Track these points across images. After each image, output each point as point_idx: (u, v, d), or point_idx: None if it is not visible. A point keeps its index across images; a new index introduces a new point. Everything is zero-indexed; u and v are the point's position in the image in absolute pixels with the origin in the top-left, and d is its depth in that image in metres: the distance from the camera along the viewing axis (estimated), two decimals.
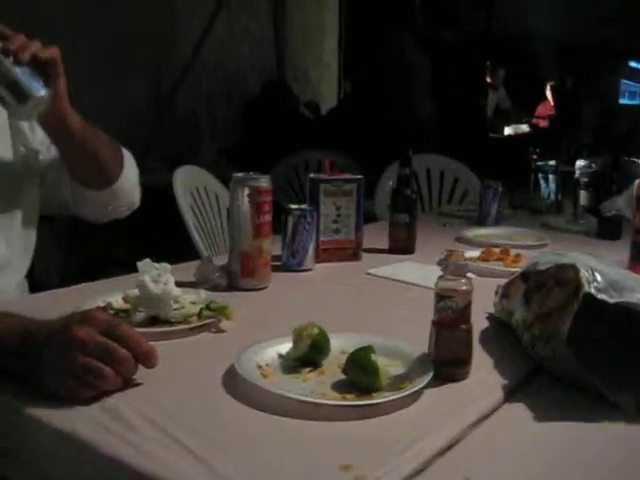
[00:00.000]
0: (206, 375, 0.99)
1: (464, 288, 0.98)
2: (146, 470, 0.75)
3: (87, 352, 0.88)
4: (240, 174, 1.44)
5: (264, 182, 1.43)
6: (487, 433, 0.87)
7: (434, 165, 3.33)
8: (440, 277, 1.00)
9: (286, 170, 3.76)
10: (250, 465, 0.76)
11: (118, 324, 0.94)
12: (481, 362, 1.05)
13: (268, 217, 1.45)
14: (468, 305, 0.99)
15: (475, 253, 1.76)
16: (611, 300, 0.93)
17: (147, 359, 0.93)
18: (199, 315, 1.19)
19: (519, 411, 0.93)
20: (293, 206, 1.62)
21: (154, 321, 1.17)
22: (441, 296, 0.99)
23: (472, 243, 1.95)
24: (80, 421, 0.84)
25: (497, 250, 1.78)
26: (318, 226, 1.66)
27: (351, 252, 1.73)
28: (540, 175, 4.84)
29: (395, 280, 1.55)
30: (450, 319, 0.98)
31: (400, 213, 1.83)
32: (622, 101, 8.47)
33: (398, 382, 0.96)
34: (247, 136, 4.88)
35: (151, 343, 0.97)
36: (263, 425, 0.86)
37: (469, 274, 1.01)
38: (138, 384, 0.94)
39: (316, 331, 1.02)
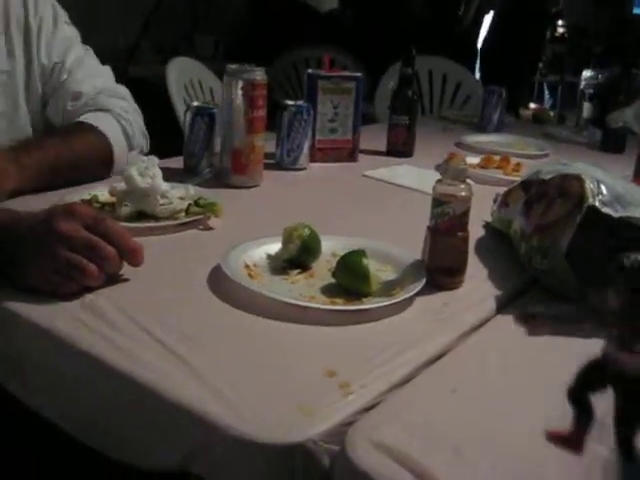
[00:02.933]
0: (191, 273, 0.96)
1: (463, 194, 0.94)
2: (125, 368, 0.72)
3: (71, 246, 0.84)
4: (234, 66, 1.38)
5: (259, 75, 1.37)
6: (477, 344, 0.84)
7: (437, 67, 3.22)
8: (438, 181, 0.95)
9: (285, 66, 3.64)
10: (232, 366, 0.74)
11: (104, 219, 0.89)
12: (475, 271, 1.02)
13: (262, 112, 1.39)
14: (466, 212, 0.95)
15: (474, 160, 1.71)
16: (615, 214, 0.89)
17: (133, 257, 0.90)
18: (187, 211, 1.15)
19: (510, 323, 0.90)
20: (289, 102, 1.56)
21: (140, 216, 1.14)
22: (438, 201, 0.95)
23: (472, 149, 1.90)
24: (59, 317, 0.81)
25: (497, 158, 1.73)
26: (314, 124, 1.60)
27: (347, 153, 1.68)
28: (545, 85, 4.74)
29: (391, 183, 1.51)
30: (446, 225, 0.94)
31: (400, 114, 1.77)
32: (636, 10, 8.19)
33: (389, 288, 0.93)
34: (246, 29, 4.71)
35: (136, 239, 0.93)
36: (248, 326, 0.83)
37: (468, 180, 0.97)
38: (121, 281, 0.91)
39: (307, 232, 0.98)
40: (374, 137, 1.83)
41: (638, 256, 0.51)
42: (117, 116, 1.41)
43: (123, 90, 1.49)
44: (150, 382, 0.70)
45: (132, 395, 0.71)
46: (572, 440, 0.56)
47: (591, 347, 0.78)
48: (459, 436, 0.65)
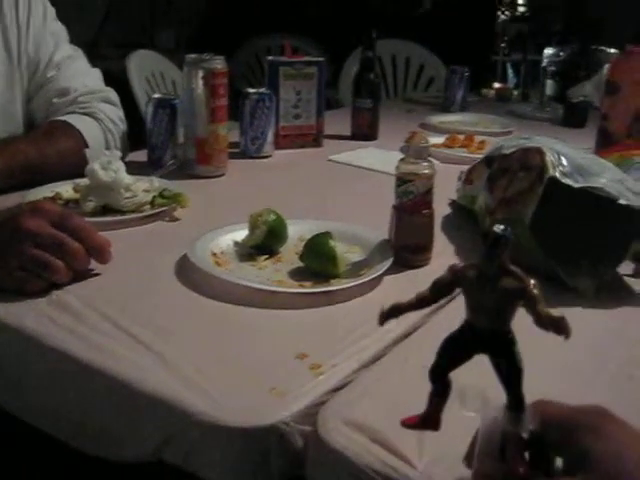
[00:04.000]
0: (159, 264, 0.96)
1: (426, 172, 0.94)
2: (96, 362, 0.72)
3: (37, 243, 0.83)
4: (194, 55, 1.37)
5: (219, 64, 1.36)
6: (446, 319, 0.84)
7: (400, 51, 3.23)
8: (401, 160, 0.96)
9: (247, 56, 3.62)
10: (203, 354, 0.74)
11: (70, 215, 0.88)
12: (443, 249, 1.03)
13: (224, 101, 1.38)
14: (430, 190, 0.95)
15: (439, 139, 1.72)
16: (576, 185, 0.90)
17: (100, 254, 0.89)
18: (152, 203, 1.15)
19: None
20: (251, 90, 1.55)
21: (105, 210, 1.13)
22: (402, 180, 0.95)
23: (437, 129, 1.90)
24: (27, 314, 0.80)
25: (461, 137, 1.74)
26: (277, 111, 1.59)
27: (312, 138, 1.67)
28: (508, 64, 4.76)
29: (357, 166, 1.51)
30: (411, 204, 0.95)
31: (363, 98, 1.77)
32: None
33: (357, 269, 0.93)
34: (207, 20, 4.68)
35: (102, 233, 0.92)
36: (217, 314, 0.83)
37: (432, 159, 0.97)
38: (88, 276, 0.90)
39: (273, 217, 0.98)
40: (339, 122, 1.83)
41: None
42: (104, 128, 1.38)
43: (113, 95, 1.46)
44: (120, 373, 0.70)
45: (103, 388, 0.71)
46: (429, 419, 0.56)
47: None
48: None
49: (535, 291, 0.49)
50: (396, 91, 3.25)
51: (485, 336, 0.52)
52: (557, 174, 0.89)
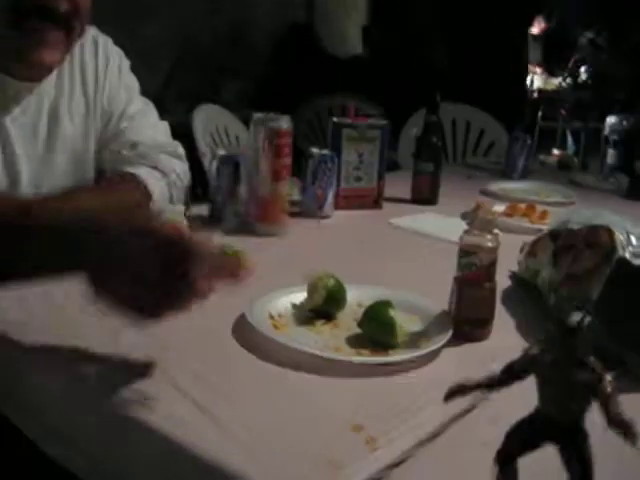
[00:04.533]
0: (216, 323, 0.95)
1: (490, 244, 0.93)
2: (146, 418, 0.72)
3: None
4: (260, 114, 1.39)
5: (284, 123, 1.38)
6: (505, 397, 0.82)
7: (460, 115, 3.23)
8: (466, 231, 0.95)
9: (309, 114, 3.68)
10: (255, 418, 0.73)
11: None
12: (503, 322, 1.01)
13: (287, 160, 1.39)
14: (493, 263, 0.94)
15: (500, 207, 1.70)
16: None
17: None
18: None
19: None
20: (314, 150, 1.57)
21: None
22: (465, 252, 0.94)
23: (497, 197, 1.89)
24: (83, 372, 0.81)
25: (523, 205, 1.72)
26: (339, 172, 1.60)
27: (372, 200, 1.68)
28: (568, 131, 4.72)
29: (417, 232, 1.50)
30: (473, 276, 0.94)
31: (424, 162, 1.77)
32: None
33: (415, 340, 0.92)
34: (271, 77, 4.78)
35: None
36: (273, 378, 0.82)
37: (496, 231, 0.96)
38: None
39: (332, 282, 0.98)
40: (398, 184, 1.83)
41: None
42: (170, 182, 1.40)
43: (180, 149, 1.49)
44: (176, 437, 0.69)
45: (156, 449, 0.70)
46: None
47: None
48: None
49: (608, 388, 0.47)
50: (455, 155, 3.25)
51: (556, 427, 0.50)
52: (627, 254, 0.87)
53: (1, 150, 1.22)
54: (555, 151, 3.55)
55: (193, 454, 0.67)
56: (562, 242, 1.03)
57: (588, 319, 0.49)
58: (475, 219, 0.94)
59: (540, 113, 4.95)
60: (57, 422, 0.81)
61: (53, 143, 1.30)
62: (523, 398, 0.82)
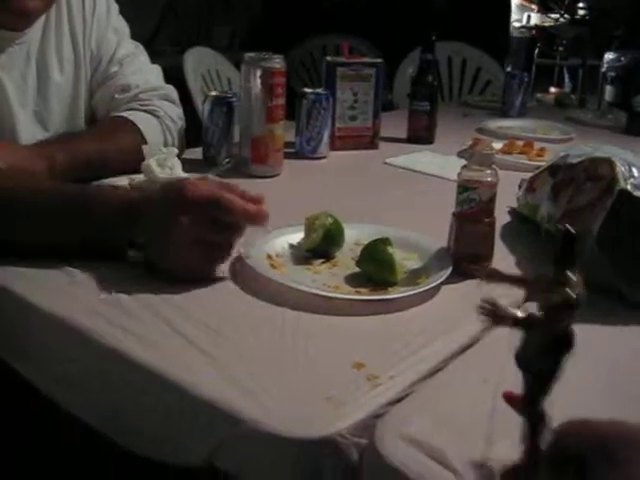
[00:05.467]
0: None
1: (489, 179, 0.92)
2: (147, 361, 0.71)
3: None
4: (252, 54, 1.36)
5: (277, 63, 1.35)
6: (507, 332, 0.82)
7: (456, 53, 3.18)
8: (464, 167, 0.93)
9: (302, 55, 3.61)
10: (257, 359, 0.73)
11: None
12: (502, 258, 1.00)
13: (281, 100, 1.37)
14: (492, 198, 0.93)
15: (497, 145, 1.68)
16: None
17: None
18: None
19: None
20: (308, 90, 1.54)
21: None
22: (464, 187, 0.93)
23: (494, 135, 1.86)
24: (77, 309, 0.80)
25: (520, 143, 1.70)
26: (334, 112, 1.57)
27: (368, 140, 1.65)
28: (565, 68, 4.66)
29: (413, 170, 1.48)
30: (472, 212, 0.92)
31: (420, 100, 1.74)
32: None
33: (414, 277, 0.91)
34: (262, 19, 4.69)
35: None
36: (272, 318, 0.81)
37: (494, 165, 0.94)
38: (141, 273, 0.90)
39: (330, 221, 0.97)
40: (394, 124, 1.80)
41: None
42: (164, 125, 1.37)
43: (173, 93, 1.46)
44: (174, 376, 0.68)
45: (155, 389, 0.70)
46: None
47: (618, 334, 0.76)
48: (490, 427, 0.63)
49: None
50: (451, 94, 3.21)
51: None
52: (629, 186, 0.86)
53: None
54: (552, 89, 3.51)
55: (193, 395, 0.66)
56: (562, 176, 1.01)
57: None
58: (473, 154, 0.92)
59: (537, 50, 4.87)
60: (64, 370, 0.81)
61: (44, 92, 1.27)
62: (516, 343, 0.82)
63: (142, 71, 1.40)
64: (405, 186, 1.41)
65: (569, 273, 0.51)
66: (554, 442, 0.50)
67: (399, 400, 0.67)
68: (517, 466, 0.53)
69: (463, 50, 3.18)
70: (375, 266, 0.90)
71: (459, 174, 0.93)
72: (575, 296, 0.50)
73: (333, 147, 1.58)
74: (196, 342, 0.74)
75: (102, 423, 0.76)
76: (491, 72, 3.10)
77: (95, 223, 0.88)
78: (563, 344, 0.51)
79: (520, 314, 0.54)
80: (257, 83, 1.34)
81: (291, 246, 0.99)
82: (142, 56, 1.45)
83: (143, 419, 0.73)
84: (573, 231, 0.51)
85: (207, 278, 0.89)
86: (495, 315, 0.55)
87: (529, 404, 0.52)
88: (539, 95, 2.78)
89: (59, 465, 1.03)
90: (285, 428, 0.62)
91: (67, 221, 0.90)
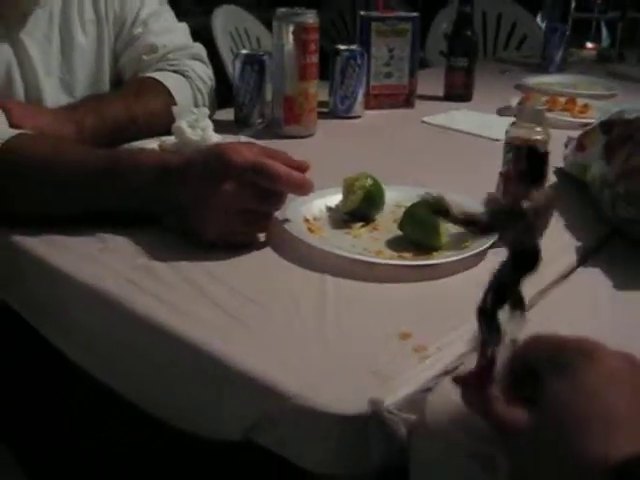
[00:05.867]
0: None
1: (540, 137, 0.86)
2: (184, 331, 0.68)
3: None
4: (284, 9, 1.30)
5: (310, 18, 1.29)
6: (560, 300, 0.78)
7: (491, 7, 3.08)
8: (513, 124, 0.88)
9: (329, 11, 3.53)
10: (297, 330, 0.69)
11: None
12: (552, 221, 0.94)
13: (315, 58, 1.31)
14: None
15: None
16: None
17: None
18: None
19: (594, 276, 0.83)
20: (342, 47, 1.48)
21: None
22: (513, 146, 0.87)
23: (534, 91, 1.79)
24: (111, 278, 0.77)
25: (562, 99, 1.63)
26: (369, 69, 1.52)
27: (404, 98, 1.59)
28: (602, 22, 4.52)
29: (452, 129, 1.42)
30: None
31: (458, 56, 1.67)
32: None
33: (459, 241, 0.86)
34: None
35: None
36: (311, 286, 0.77)
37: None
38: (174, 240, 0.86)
39: (369, 182, 0.92)
40: (429, 81, 1.74)
41: None
42: (194, 86, 1.32)
43: (202, 52, 1.41)
44: (212, 348, 0.65)
45: (193, 362, 0.66)
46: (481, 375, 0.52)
47: None
48: None
49: None
50: (486, 50, 3.11)
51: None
52: None
53: (21, 68, 1.16)
54: (589, 44, 3.39)
55: (230, 367, 0.63)
56: (617, 133, 0.95)
57: None
58: (523, 111, 0.86)
59: (573, 4, 4.73)
60: (94, 339, 0.78)
61: (69, 57, 1.23)
62: (570, 305, 0.78)
63: (169, 30, 1.35)
64: (444, 146, 1.36)
65: (533, 189, 0.53)
66: (515, 356, 0.51)
67: (448, 373, 0.63)
68: (470, 373, 0.53)
69: (498, 4, 3.08)
70: (419, 230, 0.85)
71: (507, 132, 0.88)
72: (525, 208, 0.51)
73: (368, 106, 1.53)
74: (232, 311, 0.71)
75: (134, 394, 0.73)
76: (527, 27, 3.00)
77: (128, 190, 0.85)
78: (528, 262, 0.51)
79: (464, 215, 0.57)
80: (289, 39, 1.28)
81: (329, 209, 0.95)
82: (167, 14, 1.39)
83: (176, 390, 0.70)
84: (542, 150, 0.54)
85: (245, 245, 0.85)
86: (445, 213, 0.58)
87: (486, 315, 0.52)
88: (574, 51, 2.68)
89: (89, 434, 1.01)
90: (329, 404, 0.58)
91: (99, 189, 0.86)
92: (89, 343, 0.78)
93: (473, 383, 0.53)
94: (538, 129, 0.86)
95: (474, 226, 0.56)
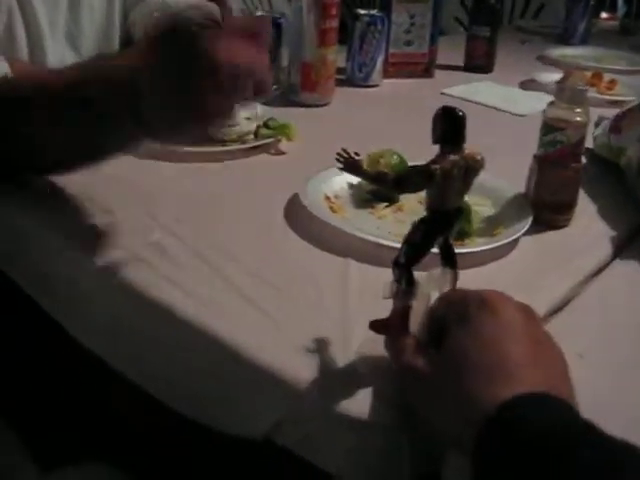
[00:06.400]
0: (265, 205, 0.86)
1: (579, 119, 0.81)
2: (193, 313, 0.63)
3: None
4: None
5: None
6: (598, 295, 0.73)
7: None
8: (551, 103, 0.83)
9: None
10: (314, 317, 0.64)
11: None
12: (583, 208, 0.89)
13: (335, 22, 1.25)
14: (581, 140, 0.82)
15: (560, 76, 1.55)
16: None
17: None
18: (256, 134, 1.04)
19: (633, 269, 0.79)
20: (362, 11, 1.41)
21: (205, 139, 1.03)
22: (550, 126, 0.82)
23: (557, 64, 1.72)
24: (121, 258, 0.72)
25: (588, 73, 1.56)
26: (389, 36, 1.45)
27: (423, 67, 1.53)
28: None
29: (474, 102, 1.37)
30: (559, 155, 0.82)
31: (481, 25, 1.60)
32: None
33: (490, 227, 0.82)
34: None
35: (202, 165, 0.82)
36: (334, 271, 0.72)
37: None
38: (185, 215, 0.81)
39: (395, 159, 0.87)
40: (447, 50, 1.67)
41: None
42: None
43: (216, 11, 1.33)
44: (228, 336, 0.60)
45: (212, 354, 0.62)
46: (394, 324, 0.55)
47: None
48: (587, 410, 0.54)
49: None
50: (501, 17, 3.02)
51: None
52: None
53: (25, 24, 1.09)
54: (604, 14, 3.30)
55: (252, 361, 0.58)
56: None
57: None
58: (564, 89, 0.81)
59: None
60: (105, 323, 0.73)
61: (76, 13, 1.16)
62: (605, 300, 0.73)
63: None
64: (468, 121, 1.30)
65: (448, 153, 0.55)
66: (429, 312, 0.55)
67: None
68: (384, 322, 0.56)
69: None
70: None
71: (544, 112, 0.83)
72: (435, 169, 0.54)
73: (386, 75, 1.47)
74: (252, 298, 0.66)
75: (149, 383, 0.68)
76: None
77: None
78: (441, 222, 0.55)
79: (376, 173, 0.60)
80: (309, 2, 1.22)
81: (351, 186, 0.90)
82: None
83: (193, 381, 0.65)
84: (460, 113, 0.55)
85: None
86: (349, 165, 0.58)
87: (400, 268, 0.54)
88: (594, 22, 2.61)
89: (92, 409, 0.97)
90: (359, 407, 0.54)
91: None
92: (100, 327, 0.73)
93: (387, 332, 0.56)
94: (578, 110, 0.81)
95: (385, 184, 0.58)
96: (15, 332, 0.89)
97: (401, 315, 0.55)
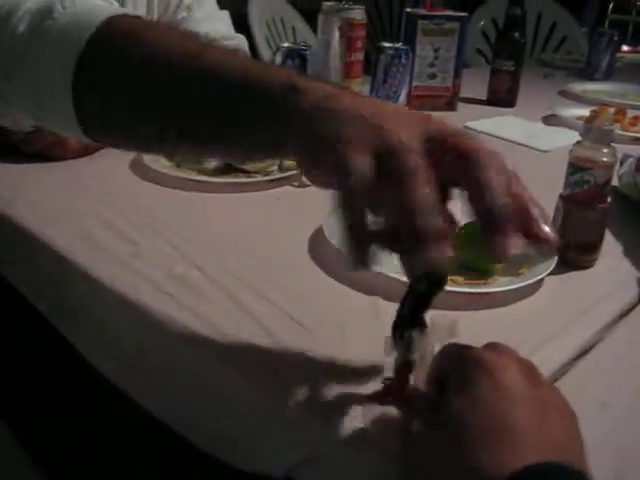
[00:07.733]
0: (289, 238, 0.86)
1: (606, 159, 0.81)
2: (230, 358, 0.63)
3: None
4: (331, 3, 1.25)
5: (358, 14, 1.25)
6: (624, 339, 0.72)
7: (531, 6, 2.99)
8: (578, 143, 0.82)
9: (367, 6, 3.46)
10: (346, 359, 0.63)
11: None
12: (608, 248, 0.89)
13: (360, 55, 1.27)
14: (608, 180, 0.82)
15: (583, 111, 1.55)
16: None
17: None
18: (280, 166, 1.05)
19: None
20: (386, 44, 1.42)
21: (229, 169, 1.03)
22: (577, 167, 0.82)
23: (579, 99, 1.73)
24: (144, 289, 0.72)
25: (611, 110, 1.56)
26: (412, 69, 1.46)
27: (446, 101, 1.54)
28: None
29: (497, 137, 1.37)
30: (585, 196, 0.82)
31: (504, 59, 1.61)
32: None
33: (514, 266, 0.81)
34: None
35: (225, 196, 0.82)
36: (362, 310, 0.72)
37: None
38: (208, 247, 0.82)
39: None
40: (470, 83, 1.68)
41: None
42: None
43: (244, 43, 1.36)
44: (257, 374, 0.60)
45: (236, 388, 0.61)
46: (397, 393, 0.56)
47: None
48: (611, 464, 0.53)
49: None
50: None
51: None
52: None
53: None
54: (625, 47, 3.30)
55: (274, 402, 0.58)
56: None
57: None
58: (591, 129, 0.81)
59: (611, 5, 4.64)
60: (125, 351, 0.73)
61: None
62: (631, 346, 0.72)
63: (212, 18, 1.31)
64: None
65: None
66: (434, 364, 0.54)
67: None
68: (390, 380, 0.56)
69: (539, 3, 3.00)
70: (474, 252, 0.79)
71: (571, 151, 0.83)
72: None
73: (409, 107, 1.47)
74: (279, 337, 0.65)
75: (167, 415, 0.69)
76: (568, 28, 2.92)
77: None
78: (436, 284, 0.54)
79: None
80: (335, 35, 1.24)
81: (375, 221, 0.89)
82: (210, 1, 1.35)
83: (216, 417, 0.65)
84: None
85: None
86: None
87: (403, 323, 0.54)
88: (618, 57, 2.61)
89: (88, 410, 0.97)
90: (387, 443, 0.53)
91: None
92: (120, 354, 0.74)
93: (388, 401, 0.56)
94: (605, 150, 0.81)
95: None
96: (15, 332, 0.90)
97: (402, 373, 0.55)
